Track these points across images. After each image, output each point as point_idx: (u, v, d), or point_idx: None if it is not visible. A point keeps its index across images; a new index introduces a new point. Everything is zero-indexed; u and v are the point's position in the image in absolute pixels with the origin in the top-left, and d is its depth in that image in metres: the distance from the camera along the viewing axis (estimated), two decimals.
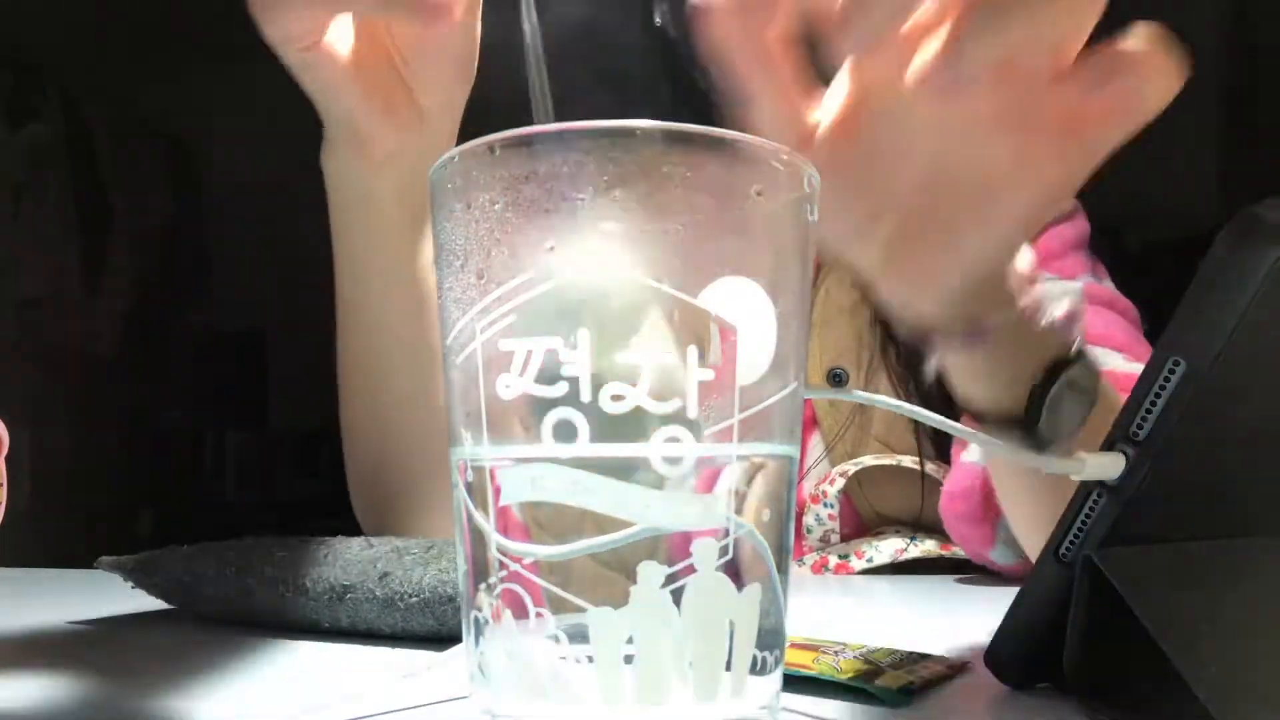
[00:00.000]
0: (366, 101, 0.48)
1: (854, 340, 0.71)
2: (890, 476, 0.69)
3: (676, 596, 0.22)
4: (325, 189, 0.53)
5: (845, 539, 0.70)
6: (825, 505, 0.70)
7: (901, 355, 0.70)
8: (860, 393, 0.30)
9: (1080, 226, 0.73)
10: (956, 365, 0.41)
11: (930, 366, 0.40)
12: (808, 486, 0.70)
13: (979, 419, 0.42)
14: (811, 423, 0.71)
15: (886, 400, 0.30)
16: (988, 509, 0.61)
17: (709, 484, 0.23)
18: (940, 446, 0.69)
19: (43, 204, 2.17)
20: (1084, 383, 0.39)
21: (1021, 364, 0.39)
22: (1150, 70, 0.30)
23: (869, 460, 0.68)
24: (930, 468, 0.68)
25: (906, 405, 0.30)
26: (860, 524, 0.71)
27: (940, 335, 0.38)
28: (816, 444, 0.71)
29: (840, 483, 0.69)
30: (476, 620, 0.24)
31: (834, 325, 0.72)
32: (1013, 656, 0.32)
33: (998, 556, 0.63)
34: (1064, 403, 0.39)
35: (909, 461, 0.67)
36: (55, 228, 2.20)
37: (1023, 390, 0.39)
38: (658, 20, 0.72)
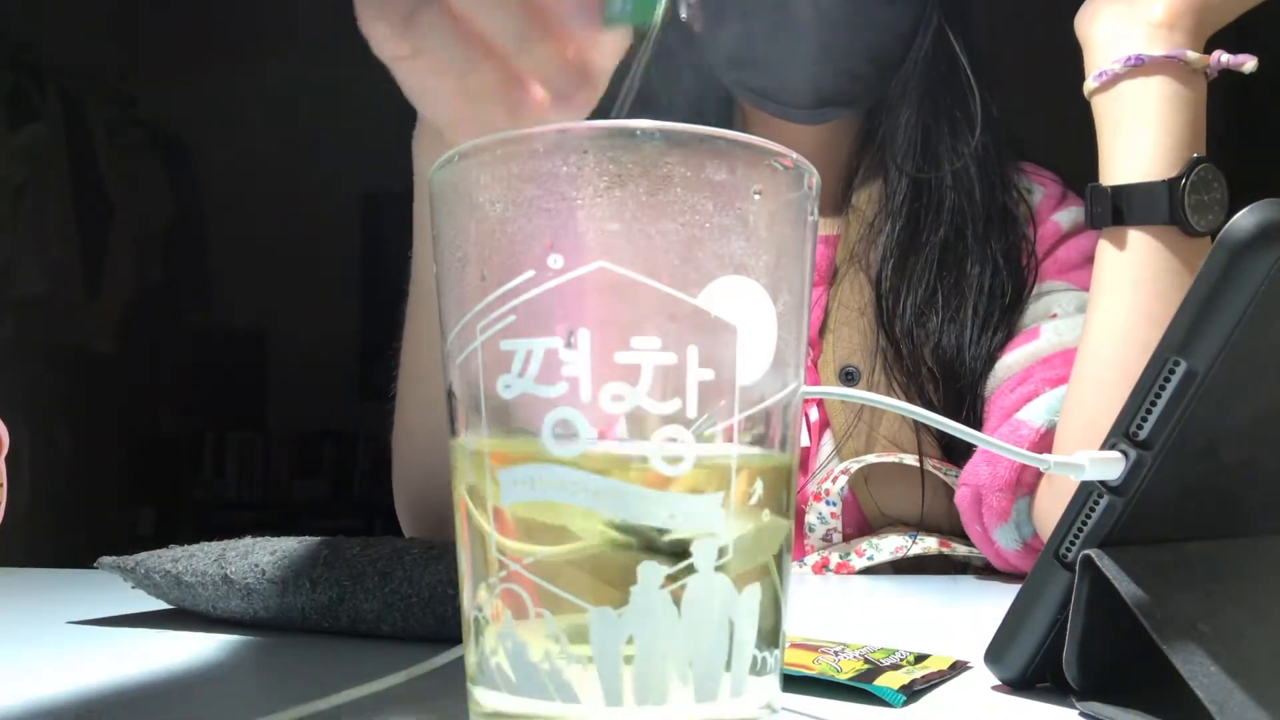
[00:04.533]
0: (470, 124, 0.42)
1: (865, 341, 0.72)
2: (896, 475, 0.69)
3: (676, 596, 0.22)
4: (412, 173, 0.50)
5: (848, 538, 0.70)
6: (828, 503, 0.70)
7: (903, 357, 0.70)
8: (863, 392, 0.30)
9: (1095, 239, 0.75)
10: (1140, 102, 0.56)
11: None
12: (811, 484, 0.70)
13: (1126, 194, 0.56)
14: (824, 424, 0.71)
15: (888, 400, 0.30)
16: (1019, 482, 0.62)
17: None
18: (946, 447, 0.69)
19: (43, 204, 2.17)
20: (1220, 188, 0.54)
21: (1190, 123, 0.55)
22: None
23: (871, 458, 0.68)
24: (932, 465, 0.68)
25: (907, 406, 0.30)
26: (865, 523, 0.71)
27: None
28: (828, 443, 0.71)
29: (843, 480, 0.69)
30: (476, 620, 0.24)
31: (847, 326, 0.72)
32: (1013, 656, 0.32)
33: (1002, 536, 0.63)
34: (1212, 186, 0.54)
35: (910, 459, 0.67)
36: (55, 228, 2.20)
37: (1180, 156, 0.55)
38: (683, 15, 0.72)
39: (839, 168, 0.77)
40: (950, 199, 0.72)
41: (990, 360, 0.69)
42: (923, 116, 0.73)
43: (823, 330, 0.73)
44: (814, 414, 0.71)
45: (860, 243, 0.74)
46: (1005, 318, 0.70)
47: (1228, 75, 0.56)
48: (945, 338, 0.69)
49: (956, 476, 0.68)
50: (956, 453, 0.68)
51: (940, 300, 0.70)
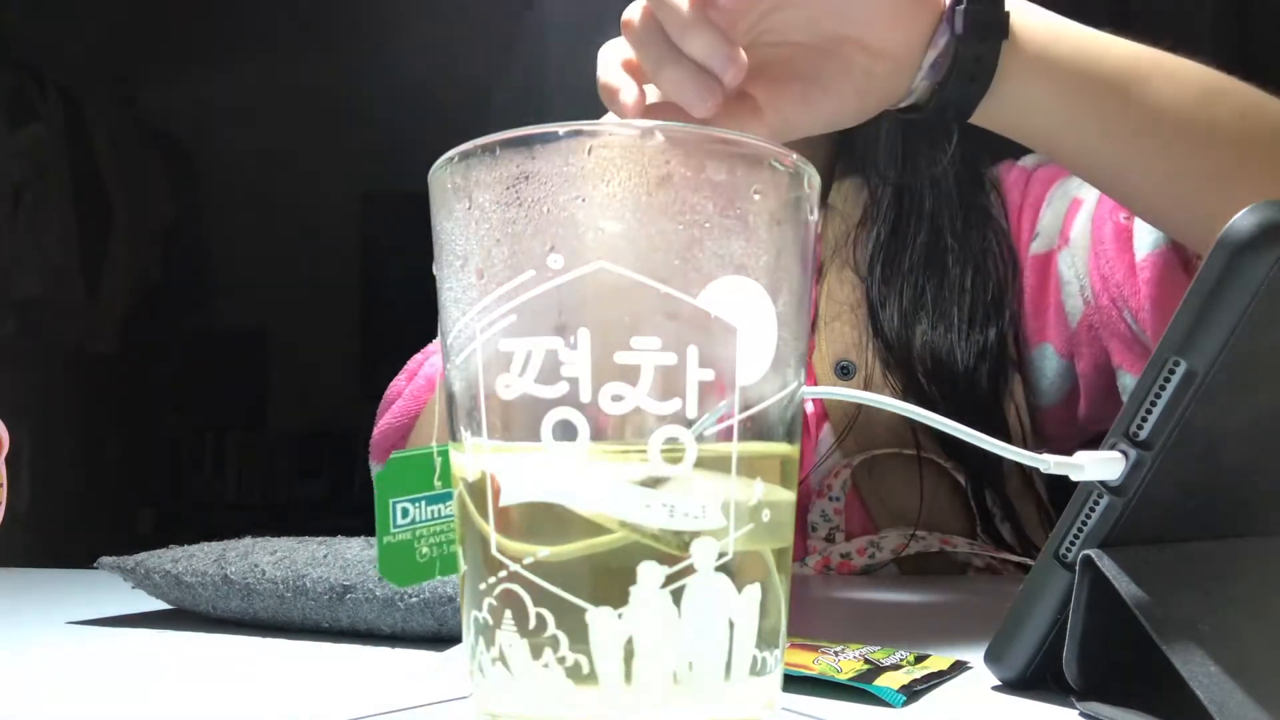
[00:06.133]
0: None
1: (858, 336, 0.72)
2: (899, 467, 0.69)
3: (676, 596, 0.22)
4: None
5: (850, 536, 0.70)
6: (830, 499, 0.70)
7: (894, 351, 0.70)
8: (861, 392, 0.30)
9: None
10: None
11: None
12: (814, 480, 0.70)
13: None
14: (822, 417, 0.71)
15: (887, 400, 0.30)
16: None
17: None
18: (945, 440, 0.69)
19: (43, 204, 2.17)
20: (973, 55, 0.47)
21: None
22: None
23: (872, 452, 0.69)
24: (932, 456, 0.68)
25: (904, 405, 0.30)
26: (868, 519, 0.71)
27: None
28: (827, 435, 0.71)
29: (845, 474, 0.69)
30: (476, 620, 0.24)
31: (839, 320, 0.73)
32: (1013, 656, 0.32)
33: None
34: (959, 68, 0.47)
35: (910, 451, 0.68)
36: (55, 228, 2.20)
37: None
38: None
39: (815, 168, 0.78)
40: (930, 202, 0.73)
41: (982, 355, 0.69)
42: (901, 125, 0.74)
43: (814, 325, 0.73)
44: (810, 406, 0.72)
45: (844, 242, 0.75)
46: (992, 312, 0.71)
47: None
48: (936, 337, 0.70)
49: (955, 466, 0.68)
50: (953, 445, 0.68)
51: (929, 301, 0.71)
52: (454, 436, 0.25)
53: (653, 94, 0.48)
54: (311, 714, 0.30)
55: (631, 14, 0.46)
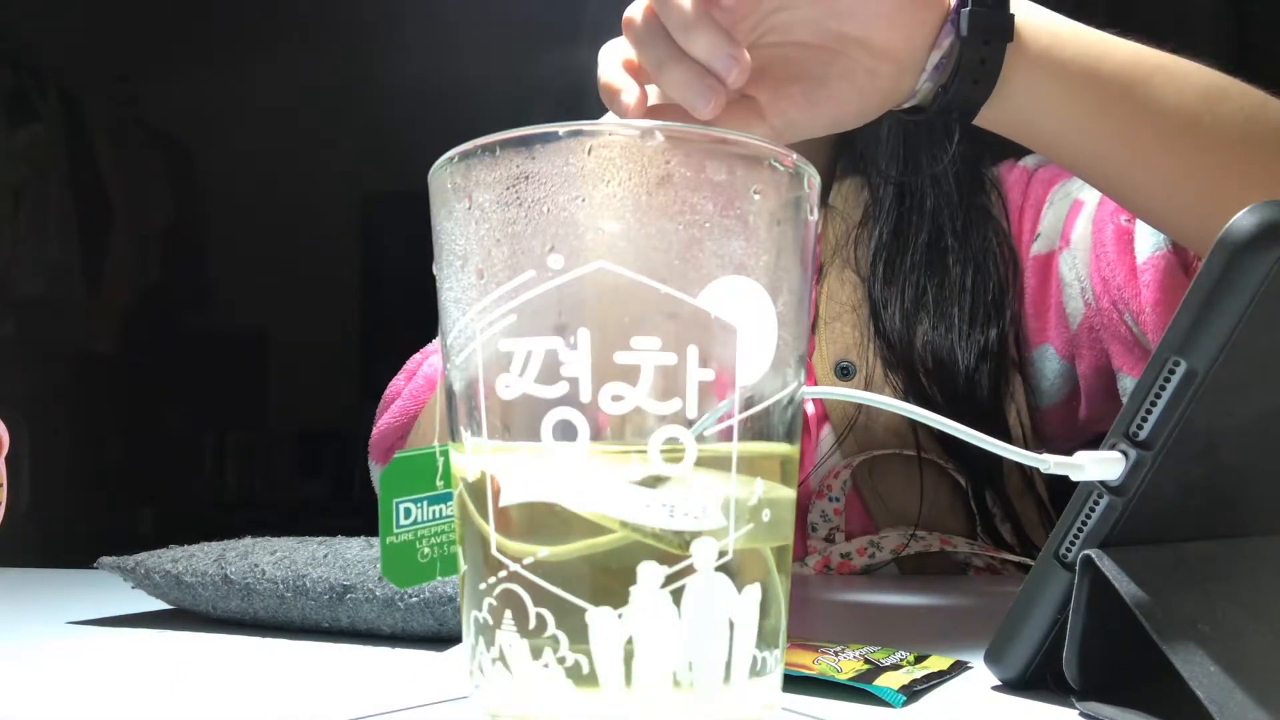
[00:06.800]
0: None
1: (858, 336, 0.72)
2: (900, 467, 0.69)
3: (676, 596, 0.22)
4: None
5: (850, 536, 0.70)
6: (830, 499, 0.70)
7: (896, 351, 0.70)
8: (861, 392, 0.30)
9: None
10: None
11: None
12: (814, 480, 0.70)
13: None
14: (823, 418, 0.71)
15: (887, 400, 0.30)
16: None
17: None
18: (945, 441, 0.69)
19: (43, 204, 2.17)
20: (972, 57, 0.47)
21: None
22: None
23: (873, 452, 0.69)
24: (933, 456, 0.68)
25: (904, 405, 0.30)
26: (868, 519, 0.71)
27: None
28: (828, 436, 0.71)
29: (845, 474, 0.69)
30: (476, 620, 0.24)
31: (839, 321, 0.73)
32: (1013, 656, 0.32)
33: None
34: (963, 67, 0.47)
35: (910, 451, 0.68)
36: (55, 228, 2.20)
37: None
38: None
39: (815, 168, 0.78)
40: (931, 201, 0.73)
41: (983, 355, 0.69)
42: (902, 124, 0.74)
43: (814, 326, 0.73)
44: (810, 407, 0.72)
45: (844, 242, 0.75)
46: (993, 312, 0.71)
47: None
48: (937, 336, 0.70)
49: (955, 466, 0.68)
50: (953, 445, 0.68)
51: (930, 301, 0.71)
52: (454, 436, 0.25)
53: (654, 95, 0.48)
54: (311, 714, 0.30)
55: (633, 12, 0.46)
